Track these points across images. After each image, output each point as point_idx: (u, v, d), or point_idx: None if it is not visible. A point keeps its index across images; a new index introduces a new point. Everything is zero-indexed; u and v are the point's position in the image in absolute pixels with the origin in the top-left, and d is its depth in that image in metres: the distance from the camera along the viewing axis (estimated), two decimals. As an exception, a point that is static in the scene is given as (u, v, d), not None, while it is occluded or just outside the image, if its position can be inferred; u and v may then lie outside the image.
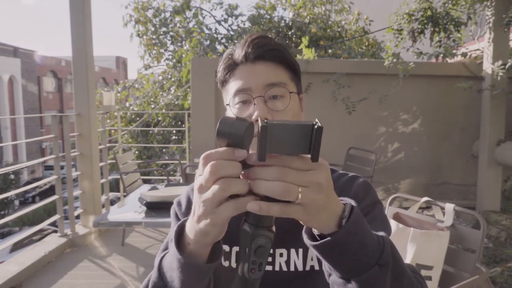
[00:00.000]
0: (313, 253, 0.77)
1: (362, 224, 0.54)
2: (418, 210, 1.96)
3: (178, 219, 0.84)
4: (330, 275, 0.58)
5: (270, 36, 0.80)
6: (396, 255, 0.58)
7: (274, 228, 0.51)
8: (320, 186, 0.48)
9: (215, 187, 0.48)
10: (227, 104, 0.79)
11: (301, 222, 0.52)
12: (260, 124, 0.45)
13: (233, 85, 0.77)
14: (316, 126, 0.46)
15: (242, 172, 0.49)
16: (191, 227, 0.56)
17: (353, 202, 0.56)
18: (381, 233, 0.59)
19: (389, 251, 0.56)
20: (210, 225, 0.52)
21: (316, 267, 0.77)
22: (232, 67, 0.78)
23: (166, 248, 0.79)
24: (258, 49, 0.75)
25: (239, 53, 0.77)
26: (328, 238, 0.52)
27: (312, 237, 0.56)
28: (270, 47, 0.76)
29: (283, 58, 0.77)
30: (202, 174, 0.50)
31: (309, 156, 0.47)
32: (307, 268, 0.77)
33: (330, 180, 0.51)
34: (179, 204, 0.86)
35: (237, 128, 0.47)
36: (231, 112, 0.77)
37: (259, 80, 0.74)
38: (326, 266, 0.57)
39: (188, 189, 0.88)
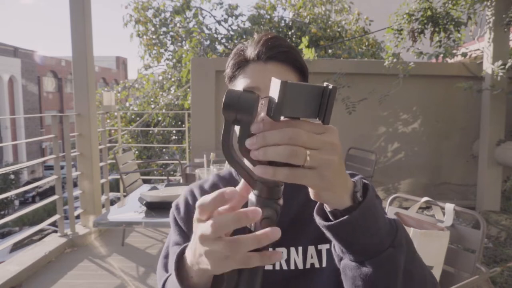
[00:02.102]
0: (312, 251, 0.77)
1: (376, 201, 0.53)
2: (418, 210, 1.96)
3: (177, 223, 0.84)
4: (341, 259, 0.57)
5: (283, 37, 0.79)
6: (408, 238, 0.57)
7: (281, 201, 0.49)
8: (334, 146, 0.47)
9: (222, 245, 0.45)
10: None
11: (313, 194, 0.50)
12: (280, 81, 0.43)
13: (242, 82, 0.76)
14: (330, 87, 0.45)
15: (248, 142, 0.45)
16: (193, 262, 0.52)
17: (364, 180, 0.55)
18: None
19: (402, 233, 0.55)
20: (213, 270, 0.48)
21: (316, 265, 0.77)
22: (242, 63, 0.78)
23: (167, 255, 0.79)
24: (271, 49, 0.75)
25: (251, 51, 0.76)
26: (346, 216, 0.50)
27: (324, 219, 0.54)
28: (283, 49, 0.76)
29: (295, 60, 0.77)
30: (202, 222, 0.48)
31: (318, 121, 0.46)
32: (307, 266, 0.77)
33: (340, 145, 0.49)
34: (177, 208, 0.86)
35: (246, 100, 0.45)
36: None
37: (269, 80, 0.74)
38: (337, 249, 0.56)
39: (185, 192, 0.88)
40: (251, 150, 0.45)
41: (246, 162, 0.48)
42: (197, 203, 0.48)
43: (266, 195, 0.47)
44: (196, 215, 0.49)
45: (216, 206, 0.47)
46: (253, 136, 0.45)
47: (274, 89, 0.44)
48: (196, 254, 0.50)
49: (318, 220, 0.54)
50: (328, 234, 0.53)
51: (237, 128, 0.47)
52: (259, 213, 0.45)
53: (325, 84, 0.46)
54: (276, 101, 0.43)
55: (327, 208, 0.53)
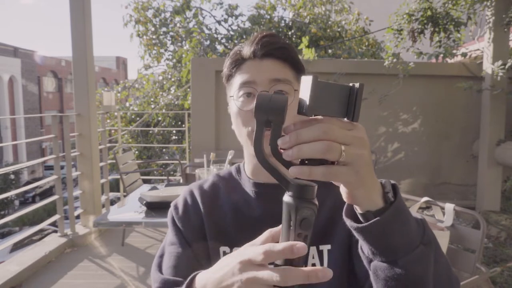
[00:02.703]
0: (313, 252, 0.76)
1: (403, 201, 0.54)
2: (418, 210, 1.96)
3: (174, 223, 0.84)
4: (370, 261, 0.56)
5: (279, 35, 0.81)
6: (433, 235, 0.57)
7: (316, 201, 0.48)
8: (363, 141, 0.47)
9: (266, 273, 0.46)
10: (231, 96, 0.80)
11: (346, 195, 0.50)
12: (311, 77, 0.43)
13: (239, 78, 0.78)
14: (357, 85, 0.45)
15: (281, 142, 0.45)
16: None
17: (392, 180, 0.55)
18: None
19: (429, 231, 0.56)
20: None
21: (318, 266, 0.76)
22: (239, 62, 0.79)
23: (162, 254, 0.80)
24: (266, 46, 0.76)
25: (247, 49, 0.78)
26: (380, 217, 0.50)
27: (354, 221, 0.54)
28: (278, 46, 0.77)
29: (290, 57, 0.78)
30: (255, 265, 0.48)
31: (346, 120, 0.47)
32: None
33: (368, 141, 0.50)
34: (176, 208, 0.86)
35: (277, 101, 0.45)
36: (235, 104, 0.78)
37: (264, 75, 0.76)
38: (366, 251, 0.55)
39: (185, 192, 0.88)
40: (283, 151, 0.45)
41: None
42: (265, 249, 0.47)
43: (301, 196, 0.47)
44: (252, 256, 0.48)
45: (284, 258, 0.46)
46: (285, 136, 0.45)
47: (305, 87, 0.45)
48: (227, 282, 0.49)
49: (350, 223, 0.54)
50: (358, 236, 0.53)
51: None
52: (305, 250, 0.45)
53: (351, 84, 0.46)
54: (309, 97, 0.44)
55: (358, 210, 0.53)
